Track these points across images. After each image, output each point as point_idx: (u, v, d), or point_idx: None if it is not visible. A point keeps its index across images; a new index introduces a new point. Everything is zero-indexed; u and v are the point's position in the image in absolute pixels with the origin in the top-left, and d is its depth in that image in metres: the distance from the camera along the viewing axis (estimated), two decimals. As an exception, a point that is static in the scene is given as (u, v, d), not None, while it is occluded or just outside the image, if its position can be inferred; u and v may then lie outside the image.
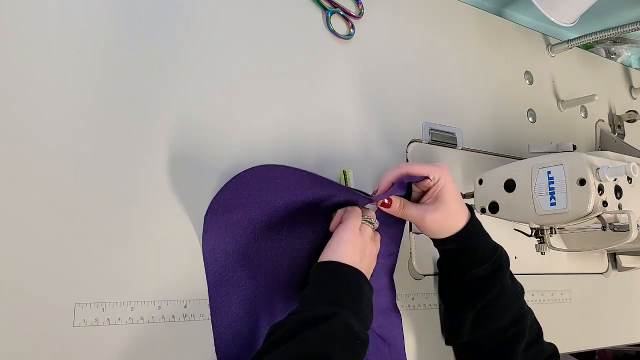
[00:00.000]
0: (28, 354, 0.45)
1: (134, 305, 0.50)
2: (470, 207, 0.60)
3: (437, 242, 0.61)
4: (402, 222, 0.64)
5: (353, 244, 0.53)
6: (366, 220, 0.55)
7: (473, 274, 0.59)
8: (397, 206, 0.59)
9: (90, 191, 0.50)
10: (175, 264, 0.52)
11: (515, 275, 0.78)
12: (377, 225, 0.57)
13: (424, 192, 0.60)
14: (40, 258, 0.47)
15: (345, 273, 0.51)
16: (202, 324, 0.52)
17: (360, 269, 0.52)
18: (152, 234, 0.52)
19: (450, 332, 0.63)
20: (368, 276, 0.55)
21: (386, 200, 0.59)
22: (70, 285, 0.47)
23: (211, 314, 0.53)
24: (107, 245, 0.50)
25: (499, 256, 0.59)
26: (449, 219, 0.58)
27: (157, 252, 0.52)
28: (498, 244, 0.61)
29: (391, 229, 0.64)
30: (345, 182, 0.62)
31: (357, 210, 0.56)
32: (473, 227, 0.59)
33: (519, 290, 0.61)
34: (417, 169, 0.58)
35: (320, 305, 0.48)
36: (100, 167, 0.51)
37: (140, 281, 0.50)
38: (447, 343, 0.63)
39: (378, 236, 0.57)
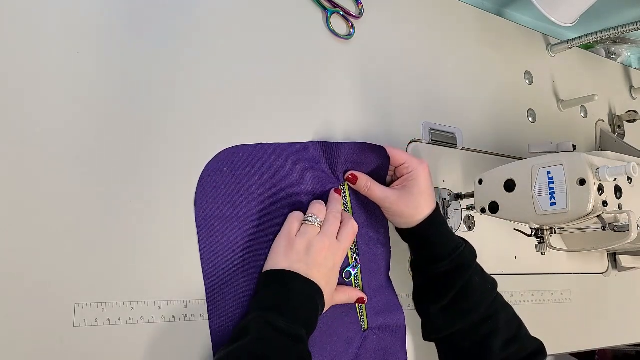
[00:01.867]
0: (28, 354, 0.45)
1: (134, 305, 0.50)
2: (437, 206, 0.61)
3: (400, 234, 0.62)
4: (381, 215, 0.64)
5: (286, 249, 0.54)
6: (305, 220, 0.55)
7: (433, 270, 0.59)
8: (363, 184, 0.61)
9: (91, 191, 0.50)
10: (175, 264, 0.52)
11: (515, 275, 0.78)
12: (319, 221, 0.56)
13: (398, 179, 0.63)
14: (40, 258, 0.47)
15: (273, 278, 0.53)
16: (202, 324, 0.52)
17: (295, 271, 0.52)
18: (152, 234, 0.52)
19: (423, 327, 0.63)
20: (329, 270, 0.55)
21: (350, 176, 0.61)
22: (70, 285, 0.47)
23: (209, 317, 0.53)
24: (107, 245, 0.50)
25: (460, 254, 0.59)
26: (409, 208, 0.59)
27: (157, 252, 0.52)
28: (463, 242, 0.61)
29: (373, 217, 0.64)
30: (345, 194, 0.63)
31: (294, 215, 0.57)
32: (433, 223, 0.60)
33: (490, 288, 0.60)
34: (397, 154, 0.61)
35: (247, 316, 0.50)
36: (100, 167, 0.51)
37: (140, 281, 0.50)
38: (424, 339, 0.63)
39: (332, 226, 0.56)
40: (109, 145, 0.51)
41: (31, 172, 0.48)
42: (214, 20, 0.60)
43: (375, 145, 0.63)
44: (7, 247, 0.46)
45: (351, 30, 0.70)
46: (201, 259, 0.53)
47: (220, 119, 0.58)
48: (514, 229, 0.71)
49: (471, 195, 0.68)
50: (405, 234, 0.62)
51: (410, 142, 0.72)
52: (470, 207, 0.71)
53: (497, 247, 0.76)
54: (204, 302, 0.53)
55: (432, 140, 0.74)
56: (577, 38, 0.92)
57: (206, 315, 0.53)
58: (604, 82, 1.03)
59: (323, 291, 0.54)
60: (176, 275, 0.52)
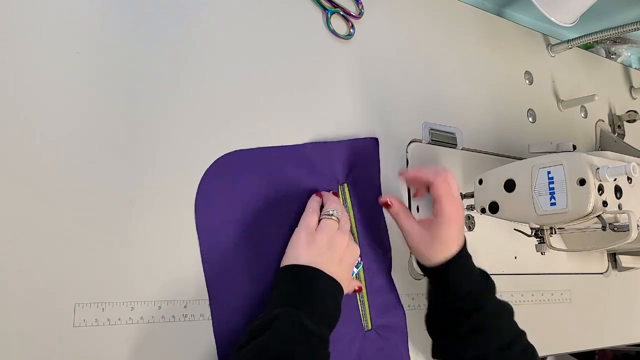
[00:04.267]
0: (28, 354, 0.45)
1: (134, 305, 0.50)
2: (464, 243, 0.58)
3: (422, 269, 0.61)
4: (380, 215, 0.65)
5: (307, 244, 0.52)
6: (325, 215, 0.55)
7: (450, 304, 0.58)
8: (396, 209, 0.60)
9: (91, 191, 0.50)
10: (175, 264, 0.52)
11: (515, 275, 0.78)
12: (338, 215, 0.55)
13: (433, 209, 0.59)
14: (40, 258, 0.47)
15: (297, 273, 0.51)
16: (202, 324, 0.52)
17: (318, 267, 0.51)
18: (152, 234, 0.52)
19: (433, 348, 0.61)
20: (349, 267, 0.55)
21: (389, 202, 0.61)
22: (70, 285, 0.47)
23: (213, 324, 0.53)
24: (107, 245, 0.50)
25: (479, 294, 0.57)
26: (429, 252, 0.58)
27: (157, 252, 0.52)
28: (484, 280, 0.59)
29: (374, 220, 0.64)
30: (346, 197, 0.63)
31: (312, 206, 0.56)
32: (455, 264, 0.57)
33: (506, 327, 0.58)
34: (444, 195, 0.57)
35: (271, 310, 0.49)
36: (100, 167, 0.51)
37: (140, 281, 0.50)
38: (432, 357, 0.61)
39: (347, 223, 0.56)
40: (108, 145, 0.51)
41: (31, 172, 0.48)
42: (214, 21, 0.60)
43: (367, 138, 0.64)
44: (8, 247, 0.46)
45: (351, 30, 0.70)
46: (203, 265, 0.53)
47: (221, 118, 0.58)
48: (514, 229, 0.71)
49: (471, 195, 0.68)
50: (426, 270, 0.60)
51: (410, 142, 0.72)
52: (470, 207, 0.70)
53: (497, 247, 0.76)
54: (204, 302, 0.53)
55: (432, 140, 0.74)
56: (577, 38, 0.92)
57: (206, 315, 0.53)
58: (604, 82, 1.03)
59: (343, 288, 0.53)
60: (176, 275, 0.52)
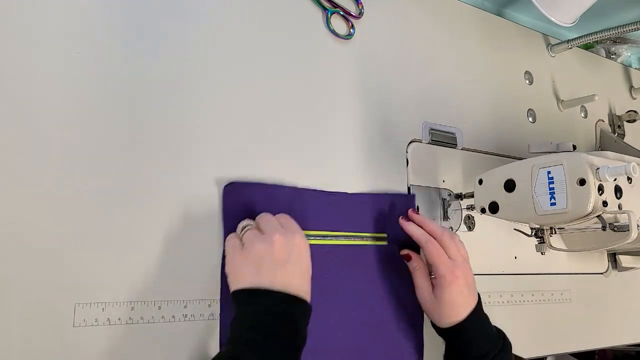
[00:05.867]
0: (28, 353, 0.45)
1: (134, 305, 0.50)
2: (476, 306, 0.58)
3: (436, 329, 0.61)
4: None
5: (235, 265, 0.49)
6: (242, 229, 0.51)
7: None
8: (415, 265, 0.62)
9: (90, 191, 0.50)
10: (175, 264, 0.52)
11: (515, 275, 0.77)
12: (252, 224, 0.52)
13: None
14: (40, 258, 0.47)
15: (243, 301, 0.47)
16: (202, 324, 0.52)
17: (263, 287, 0.46)
18: (152, 234, 0.52)
19: None
20: (296, 263, 0.48)
21: (409, 254, 0.63)
22: (70, 285, 0.47)
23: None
24: (107, 245, 0.50)
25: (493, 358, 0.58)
26: (435, 315, 0.59)
27: (157, 252, 0.52)
28: (500, 341, 0.59)
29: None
30: None
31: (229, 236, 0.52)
32: (467, 328, 0.57)
33: None
34: (428, 252, 0.59)
35: (236, 345, 0.45)
36: (100, 168, 0.51)
37: (140, 281, 0.50)
38: None
39: (271, 225, 0.50)
40: (109, 146, 0.51)
41: (31, 172, 0.48)
42: (213, 20, 0.60)
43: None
44: (7, 247, 0.46)
45: (351, 30, 0.70)
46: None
47: (219, 118, 0.58)
48: (514, 229, 0.71)
49: (471, 195, 0.68)
50: (440, 331, 0.60)
51: (410, 142, 0.72)
52: (470, 207, 0.70)
53: (497, 247, 0.76)
54: (204, 302, 0.53)
55: (432, 140, 0.74)
56: (577, 38, 0.92)
57: (206, 315, 0.53)
58: (604, 82, 1.03)
59: (304, 295, 0.48)
60: (176, 275, 0.52)
